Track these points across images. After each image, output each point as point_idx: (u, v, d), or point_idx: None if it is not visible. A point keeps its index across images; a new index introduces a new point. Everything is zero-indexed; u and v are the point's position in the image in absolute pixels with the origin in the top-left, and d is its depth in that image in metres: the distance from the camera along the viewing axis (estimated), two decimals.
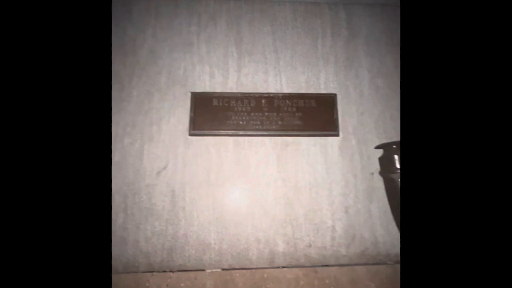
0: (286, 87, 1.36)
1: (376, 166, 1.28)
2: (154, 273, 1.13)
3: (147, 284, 1.11)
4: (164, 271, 1.13)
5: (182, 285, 1.12)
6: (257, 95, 1.32)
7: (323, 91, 1.37)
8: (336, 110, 1.33)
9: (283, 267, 1.16)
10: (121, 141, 1.25)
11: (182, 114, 1.29)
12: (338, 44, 1.44)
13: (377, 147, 1.23)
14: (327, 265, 1.17)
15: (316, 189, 1.25)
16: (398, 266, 1.16)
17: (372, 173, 1.28)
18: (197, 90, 1.32)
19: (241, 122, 1.28)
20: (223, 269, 1.14)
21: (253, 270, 1.15)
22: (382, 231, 1.22)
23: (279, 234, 1.20)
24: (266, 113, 1.30)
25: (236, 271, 1.14)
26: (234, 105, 1.30)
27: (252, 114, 1.30)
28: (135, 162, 1.23)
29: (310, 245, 1.19)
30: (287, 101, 1.32)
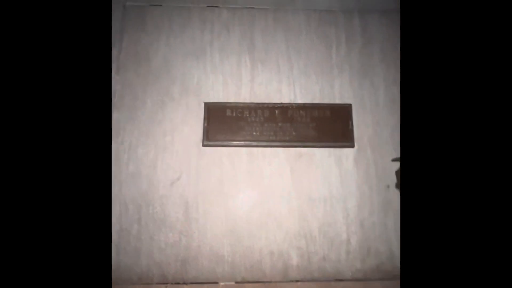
0: (300, 97, 1.34)
1: (392, 178, 1.25)
2: (168, 284, 1.13)
3: None
4: (178, 283, 1.13)
5: None
6: (270, 105, 1.31)
7: (337, 101, 1.34)
8: (352, 120, 1.31)
9: (297, 280, 1.15)
10: (135, 151, 1.26)
11: (195, 124, 1.29)
12: (353, 51, 1.42)
13: (394, 160, 1.21)
14: (341, 280, 1.15)
15: (330, 202, 1.23)
16: None
17: (388, 186, 1.25)
18: (211, 100, 1.32)
19: (254, 133, 1.27)
20: (236, 282, 1.14)
21: (266, 284, 1.14)
22: (398, 245, 1.20)
23: (293, 247, 1.18)
24: (280, 124, 1.29)
25: (250, 284, 1.13)
26: (248, 115, 1.29)
27: (266, 124, 1.29)
28: (149, 172, 1.24)
29: (324, 259, 1.18)
30: (301, 111, 1.31)
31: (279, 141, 1.27)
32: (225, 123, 1.28)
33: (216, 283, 1.13)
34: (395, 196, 1.24)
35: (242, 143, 1.26)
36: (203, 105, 1.31)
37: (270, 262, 1.17)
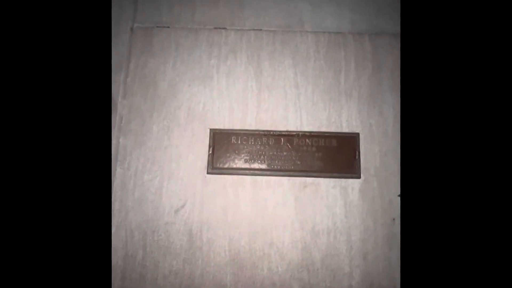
0: (307, 125, 1.33)
1: (398, 212, 1.23)
2: None
3: None
4: None
5: None
6: (276, 133, 1.30)
7: (345, 130, 1.32)
8: (359, 151, 1.29)
9: None
10: (141, 177, 1.27)
11: (200, 151, 1.29)
12: (362, 78, 1.38)
13: (400, 195, 1.19)
14: None
15: (334, 233, 1.23)
16: None
17: (394, 219, 1.24)
18: (216, 126, 1.32)
19: (259, 161, 1.27)
20: None
21: None
22: None
23: (295, 278, 1.19)
24: (285, 152, 1.28)
25: None
26: (253, 143, 1.29)
27: (271, 153, 1.28)
28: (154, 199, 1.25)
29: None
30: (307, 140, 1.29)
31: (284, 170, 1.26)
32: (230, 151, 1.28)
33: None
34: (399, 230, 1.22)
35: (247, 171, 1.26)
36: (208, 131, 1.31)
37: None
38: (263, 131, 1.30)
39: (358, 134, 1.30)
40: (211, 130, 1.30)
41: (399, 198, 1.22)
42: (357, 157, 1.28)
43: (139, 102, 1.35)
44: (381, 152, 1.30)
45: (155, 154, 1.29)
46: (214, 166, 1.26)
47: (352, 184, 1.27)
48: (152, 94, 1.36)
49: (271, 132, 1.30)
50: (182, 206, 1.25)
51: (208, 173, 1.26)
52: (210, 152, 1.28)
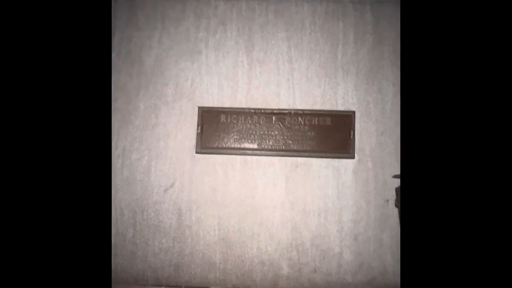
0: (300, 102, 1.26)
1: (392, 193, 1.19)
2: (161, 287, 1.18)
3: None
4: (171, 286, 1.18)
5: None
6: (268, 111, 1.24)
7: (340, 108, 1.25)
8: (353, 130, 1.22)
9: None
10: (129, 156, 1.25)
11: (189, 130, 1.25)
12: (361, 52, 1.29)
13: (396, 177, 1.14)
14: None
15: (325, 214, 1.20)
16: None
17: (387, 200, 1.20)
18: (205, 104, 1.26)
19: (249, 141, 1.23)
20: None
21: None
22: (393, 261, 1.17)
23: (284, 258, 1.19)
24: (276, 131, 1.23)
25: None
26: (243, 121, 1.24)
27: (262, 132, 1.23)
28: (143, 178, 1.24)
29: (315, 271, 1.18)
30: (300, 119, 1.23)
31: (275, 150, 1.22)
32: (219, 130, 1.23)
33: None
34: (394, 212, 1.18)
35: (237, 151, 1.22)
36: (197, 109, 1.25)
37: (261, 272, 1.18)
38: (254, 109, 1.24)
39: (354, 112, 1.24)
40: (199, 108, 1.25)
41: (394, 179, 1.18)
42: (351, 136, 1.22)
43: (125, 80, 1.29)
44: (378, 131, 1.24)
45: (142, 133, 1.26)
46: (203, 146, 1.23)
47: (346, 164, 1.22)
48: (138, 71, 1.30)
49: (262, 110, 1.24)
50: (171, 186, 1.23)
51: (197, 152, 1.23)
52: (199, 131, 1.23)
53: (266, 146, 1.22)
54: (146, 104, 1.28)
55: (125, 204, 1.22)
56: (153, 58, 1.30)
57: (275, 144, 1.22)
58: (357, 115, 1.24)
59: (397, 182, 1.16)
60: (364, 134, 1.24)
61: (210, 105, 1.26)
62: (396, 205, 1.14)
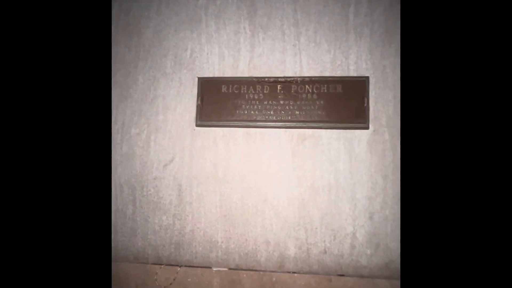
0: (307, 69, 1.15)
1: None
2: (162, 266, 1.13)
3: (155, 277, 1.11)
4: (172, 265, 1.12)
5: (189, 280, 1.10)
6: (271, 80, 1.14)
7: (352, 74, 1.13)
8: (367, 97, 1.10)
9: (294, 272, 1.07)
10: (128, 131, 1.20)
11: (189, 102, 1.19)
12: (376, 11, 1.15)
13: None
14: (343, 275, 1.05)
15: (336, 191, 1.09)
16: None
17: None
18: (205, 75, 1.19)
19: (252, 112, 1.14)
20: (230, 269, 1.10)
21: (261, 273, 1.08)
22: None
23: (291, 237, 1.09)
24: (282, 101, 1.13)
25: (243, 272, 1.09)
26: (245, 91, 1.15)
27: (265, 102, 1.14)
28: (142, 153, 1.19)
29: (325, 252, 1.07)
30: (307, 87, 1.12)
31: (280, 121, 1.12)
32: (220, 101, 1.15)
33: (209, 268, 1.10)
34: None
35: (239, 123, 1.14)
36: (196, 80, 1.18)
37: (265, 252, 1.10)
38: (257, 78, 1.15)
39: (367, 77, 1.11)
40: (199, 79, 1.18)
41: None
42: (365, 104, 1.09)
43: (123, 52, 1.24)
44: (396, 98, 1.11)
45: (141, 107, 1.21)
46: (203, 118, 1.15)
47: (359, 135, 1.10)
48: (137, 43, 1.25)
49: (266, 79, 1.15)
50: (171, 161, 1.17)
51: (197, 125, 1.16)
52: (199, 102, 1.16)
53: (270, 118, 1.13)
54: (145, 76, 1.22)
55: (125, 180, 1.18)
56: (152, 29, 1.24)
57: (280, 115, 1.12)
58: (372, 81, 1.11)
59: None
60: (380, 102, 1.11)
61: (211, 75, 1.18)
62: None
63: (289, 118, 1.12)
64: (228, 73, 1.18)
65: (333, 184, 1.09)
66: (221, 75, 1.18)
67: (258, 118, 1.13)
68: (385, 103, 1.11)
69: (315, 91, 1.12)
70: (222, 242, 1.12)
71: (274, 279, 1.07)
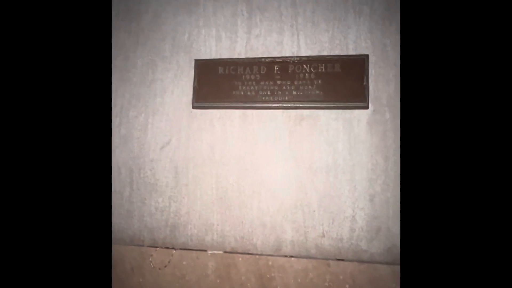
0: (305, 50, 1.13)
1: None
2: (157, 248, 1.11)
3: (150, 259, 1.10)
4: (167, 248, 1.11)
5: (184, 263, 1.09)
6: (268, 60, 1.13)
7: (351, 53, 1.10)
8: (367, 75, 1.07)
9: (291, 256, 1.04)
10: (126, 114, 1.21)
11: (186, 85, 1.18)
12: None
13: None
14: (342, 260, 1.01)
15: (335, 172, 1.06)
16: None
17: None
18: (202, 57, 1.19)
19: (249, 93, 1.12)
20: (225, 252, 1.07)
21: (257, 256, 1.05)
22: None
23: (288, 220, 1.06)
24: (279, 82, 1.11)
25: (239, 255, 1.06)
26: (242, 72, 1.14)
27: (262, 83, 1.12)
28: (140, 136, 1.19)
29: (323, 235, 1.04)
30: (305, 66, 1.10)
31: (277, 101, 1.10)
32: (216, 82, 1.15)
33: (205, 251, 1.08)
34: None
35: (235, 104, 1.13)
36: (193, 62, 1.18)
37: (262, 235, 1.07)
38: (254, 58, 1.14)
39: (367, 56, 1.08)
40: (196, 61, 1.18)
41: None
42: (365, 82, 1.06)
43: (123, 37, 1.26)
44: (397, 77, 1.07)
45: (140, 90, 1.22)
46: (200, 100, 1.15)
47: (359, 115, 1.07)
48: (136, 28, 1.26)
49: (263, 59, 1.13)
50: (168, 143, 1.17)
51: (193, 107, 1.16)
52: (195, 84, 1.16)
53: (267, 98, 1.11)
54: (143, 60, 1.23)
55: (122, 162, 1.19)
56: (151, 14, 1.26)
57: (277, 95, 1.10)
58: (372, 59, 1.08)
59: None
60: (381, 80, 1.07)
61: (208, 57, 1.18)
62: None
63: (286, 98, 1.10)
64: (225, 55, 1.18)
65: (331, 166, 1.06)
66: (218, 57, 1.18)
67: (254, 99, 1.12)
68: (386, 82, 1.07)
69: (313, 71, 1.09)
70: (217, 224, 1.10)
71: (270, 263, 1.04)
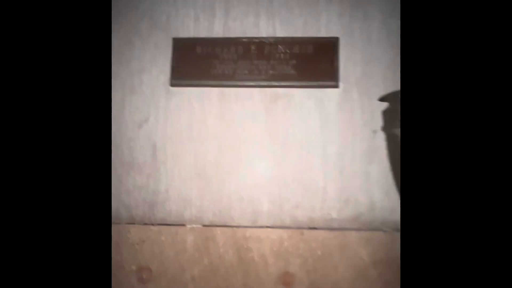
0: (280, 32, 1.19)
1: (379, 124, 1.11)
2: (135, 225, 1.12)
3: (128, 235, 1.10)
4: (146, 224, 1.12)
5: (162, 238, 1.10)
6: (245, 40, 1.17)
7: (323, 35, 1.17)
8: (337, 57, 1.14)
9: (267, 227, 1.09)
10: None
11: (164, 64, 1.19)
12: None
13: (381, 99, 1.05)
14: (314, 228, 1.08)
15: (307, 148, 1.12)
16: (395, 233, 1.04)
17: (375, 131, 1.11)
18: (180, 36, 1.20)
19: (226, 72, 1.16)
20: (204, 225, 1.10)
21: (234, 228, 1.09)
22: (381, 195, 1.08)
23: (264, 193, 1.11)
24: (255, 61, 1.16)
25: (218, 228, 1.09)
26: (220, 52, 1.17)
27: (239, 62, 1.16)
28: (117, 115, 1.18)
29: (297, 206, 1.10)
30: (280, 47, 1.16)
31: (254, 80, 1.15)
32: (194, 61, 1.17)
33: (184, 225, 1.11)
34: (382, 143, 1.10)
35: (213, 82, 1.16)
36: (171, 41, 1.19)
37: (239, 208, 1.11)
38: (231, 38, 1.18)
39: (337, 38, 1.15)
40: (174, 39, 1.19)
41: (380, 106, 1.09)
42: (335, 63, 1.14)
43: None
44: (364, 60, 1.16)
45: (117, 69, 1.21)
46: (178, 78, 1.17)
47: (330, 95, 1.14)
48: (112, 6, 1.24)
49: (240, 39, 1.17)
50: (145, 121, 1.17)
51: (171, 85, 1.17)
52: (173, 63, 1.17)
53: (244, 77, 1.15)
54: (120, 40, 1.22)
55: None
56: None
57: (253, 74, 1.15)
58: (342, 42, 1.16)
59: (383, 106, 1.07)
60: (350, 63, 1.16)
61: (186, 36, 1.20)
62: (383, 130, 1.06)
63: (263, 77, 1.15)
64: (203, 35, 1.20)
65: (304, 141, 1.13)
66: (196, 36, 1.20)
67: (232, 78, 1.15)
68: (354, 64, 1.16)
69: (288, 51, 1.15)
70: (196, 200, 1.12)
71: (247, 234, 1.08)
